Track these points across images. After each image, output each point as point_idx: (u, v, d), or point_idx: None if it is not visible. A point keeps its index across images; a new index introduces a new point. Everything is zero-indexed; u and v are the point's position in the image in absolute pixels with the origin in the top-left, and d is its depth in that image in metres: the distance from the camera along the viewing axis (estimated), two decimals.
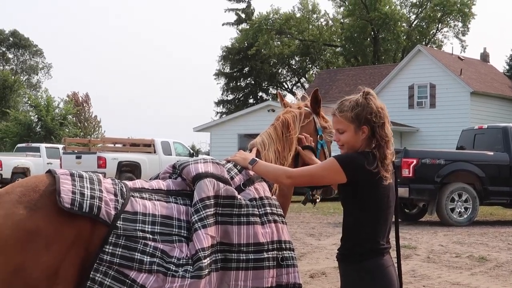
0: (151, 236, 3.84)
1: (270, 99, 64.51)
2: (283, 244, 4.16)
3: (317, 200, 4.77)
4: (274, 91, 72.66)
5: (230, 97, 71.39)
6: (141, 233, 3.82)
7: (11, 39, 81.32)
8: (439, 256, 12.18)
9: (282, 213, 4.31)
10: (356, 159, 3.88)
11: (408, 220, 18.53)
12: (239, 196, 4.13)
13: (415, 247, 13.11)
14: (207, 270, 3.81)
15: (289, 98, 68.96)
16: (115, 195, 3.90)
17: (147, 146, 31.35)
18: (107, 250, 3.73)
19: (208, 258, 3.84)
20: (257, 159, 4.28)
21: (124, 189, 3.97)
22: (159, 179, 4.37)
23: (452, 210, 17.87)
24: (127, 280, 3.73)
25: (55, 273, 3.64)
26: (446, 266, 11.10)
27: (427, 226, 17.76)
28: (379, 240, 3.89)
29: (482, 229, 16.90)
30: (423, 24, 63.91)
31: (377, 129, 3.91)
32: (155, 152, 30.77)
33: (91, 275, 3.69)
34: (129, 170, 29.27)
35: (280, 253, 4.14)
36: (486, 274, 10.46)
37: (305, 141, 4.65)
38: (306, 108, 4.86)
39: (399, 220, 4.38)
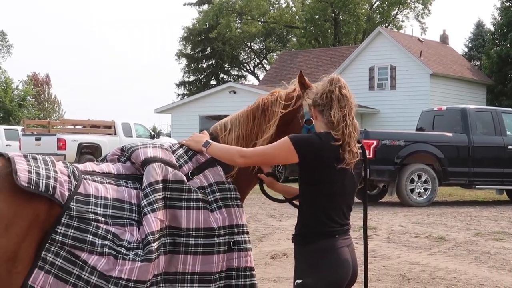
0: (103, 219, 3.83)
1: (232, 80, 64.38)
2: (235, 229, 4.13)
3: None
4: (235, 73, 72.48)
5: (192, 78, 71.03)
6: (93, 216, 3.81)
7: None
8: (399, 236, 12.30)
9: (237, 195, 4.23)
10: (309, 139, 3.87)
11: (369, 201, 18.58)
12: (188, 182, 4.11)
13: (375, 228, 13.22)
14: (156, 253, 3.81)
15: (250, 79, 68.88)
16: (69, 176, 3.87)
17: (108, 128, 31.11)
18: (59, 230, 3.71)
19: (157, 242, 3.83)
20: (211, 141, 4.19)
21: (76, 172, 3.95)
22: (107, 161, 4.33)
23: (412, 190, 18.05)
24: (78, 261, 3.72)
25: (14, 255, 3.61)
26: (406, 246, 11.22)
27: (387, 206, 17.92)
28: (329, 222, 3.86)
29: (441, 210, 17.10)
30: (384, 5, 64.14)
31: (324, 111, 3.91)
32: (115, 133, 30.55)
33: (42, 255, 3.68)
34: (89, 151, 29.01)
35: (231, 237, 4.11)
36: (445, 253, 10.60)
37: (267, 169, 4.44)
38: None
39: (360, 201, 4.36)
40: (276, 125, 4.40)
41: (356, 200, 4.27)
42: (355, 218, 3.82)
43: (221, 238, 4.06)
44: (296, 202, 4.30)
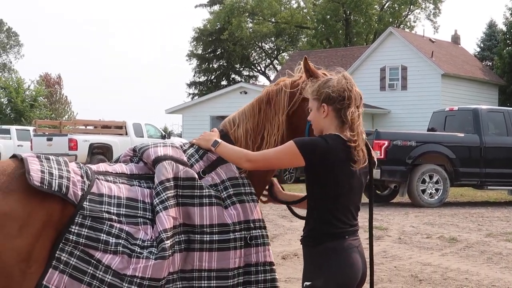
0: (116, 218, 3.84)
1: (243, 81, 64.37)
2: (251, 224, 4.10)
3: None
4: (246, 73, 72.46)
5: (202, 79, 71.08)
6: (107, 215, 3.82)
7: None
8: (410, 237, 12.29)
9: (251, 190, 4.19)
10: (315, 142, 3.83)
11: (380, 202, 18.62)
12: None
13: (387, 228, 13.21)
14: (170, 251, 3.81)
15: (261, 79, 68.81)
16: (82, 176, 3.89)
17: (119, 128, 31.18)
18: (73, 230, 3.71)
19: (170, 240, 3.82)
20: (220, 140, 4.17)
21: (89, 172, 3.96)
22: (120, 162, 4.35)
23: (423, 191, 18.02)
24: (93, 260, 3.73)
25: (28, 256, 3.62)
26: (417, 247, 11.20)
27: (398, 207, 17.89)
28: (337, 223, 3.84)
29: (453, 210, 17.06)
30: (395, 6, 63.95)
31: (341, 110, 3.83)
32: (126, 134, 30.62)
33: (56, 255, 3.68)
34: (100, 152, 29.08)
35: (248, 232, 4.07)
36: (457, 254, 10.58)
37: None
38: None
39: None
40: (284, 117, 4.31)
41: (364, 200, 4.25)
42: (365, 219, 3.79)
43: (236, 233, 4.02)
44: (296, 208, 4.35)
